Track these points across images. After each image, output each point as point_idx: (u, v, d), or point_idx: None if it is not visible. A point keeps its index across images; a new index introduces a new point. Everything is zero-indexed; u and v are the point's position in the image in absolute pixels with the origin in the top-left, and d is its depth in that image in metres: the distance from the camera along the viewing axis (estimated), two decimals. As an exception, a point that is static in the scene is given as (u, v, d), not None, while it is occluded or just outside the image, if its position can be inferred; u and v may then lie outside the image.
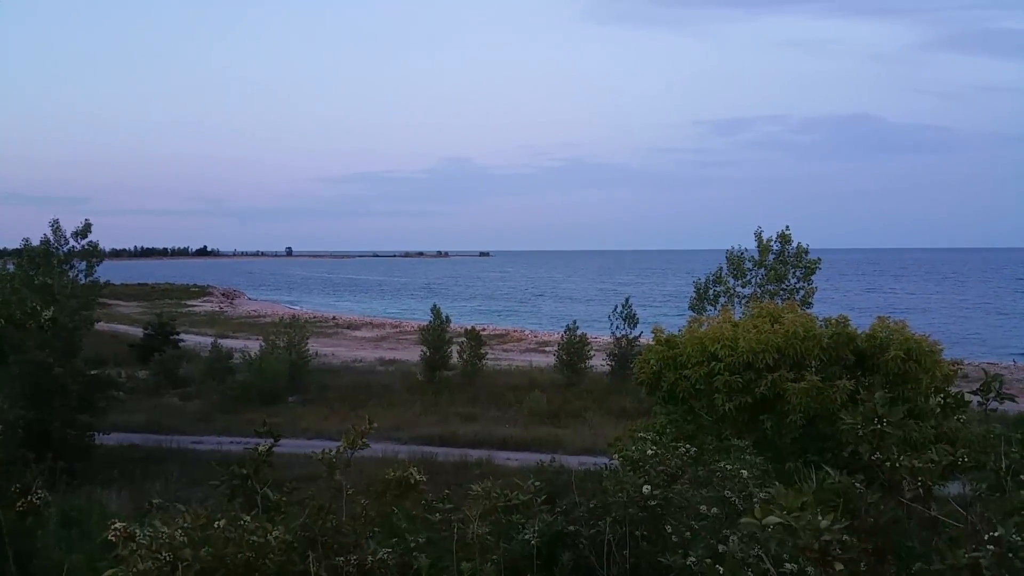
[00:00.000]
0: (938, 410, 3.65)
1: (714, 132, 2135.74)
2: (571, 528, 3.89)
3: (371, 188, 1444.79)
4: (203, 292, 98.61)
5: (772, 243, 21.29)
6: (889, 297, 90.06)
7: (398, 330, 57.01)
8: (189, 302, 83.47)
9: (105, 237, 26.84)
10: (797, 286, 20.96)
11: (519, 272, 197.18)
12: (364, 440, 3.30)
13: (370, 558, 2.91)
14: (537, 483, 4.02)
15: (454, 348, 32.73)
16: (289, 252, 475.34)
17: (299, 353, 31.10)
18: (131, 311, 63.57)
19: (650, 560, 3.53)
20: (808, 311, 13.79)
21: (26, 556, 4.28)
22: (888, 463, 2.76)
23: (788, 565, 2.68)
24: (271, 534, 2.60)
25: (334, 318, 67.24)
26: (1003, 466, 2.96)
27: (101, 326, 31.57)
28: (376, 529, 3.37)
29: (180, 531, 2.51)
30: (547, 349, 41.48)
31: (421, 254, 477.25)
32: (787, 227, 21.24)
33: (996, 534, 2.36)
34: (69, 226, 25.26)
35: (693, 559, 3.04)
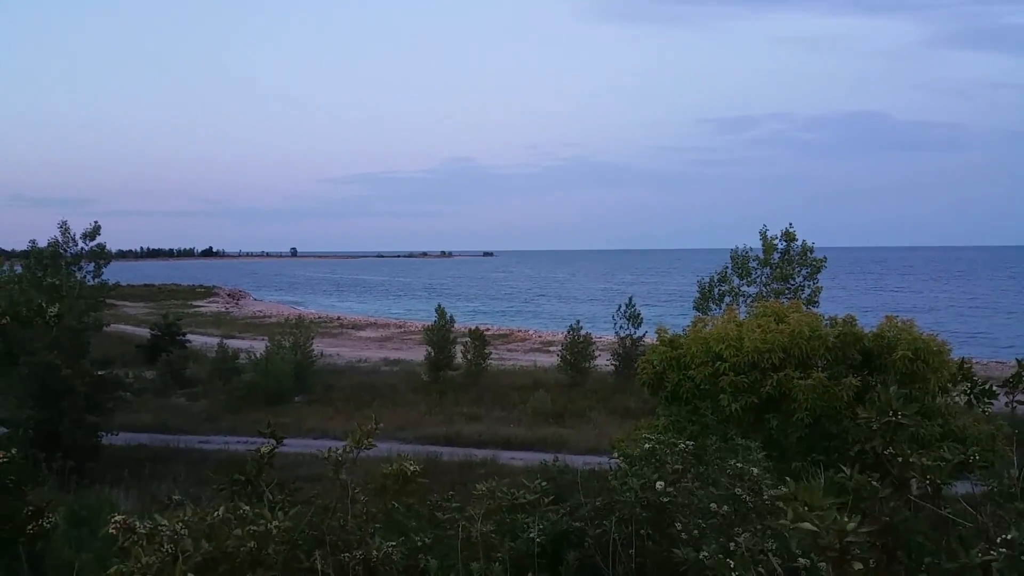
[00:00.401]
0: (963, 401, 3.58)
1: (719, 130, 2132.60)
2: (576, 526, 3.87)
3: (375, 189, 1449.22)
4: (209, 293, 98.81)
5: (777, 242, 21.16)
6: (896, 296, 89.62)
7: (402, 330, 57.03)
8: (195, 303, 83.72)
9: (111, 238, 27.03)
10: (803, 285, 20.85)
11: (523, 272, 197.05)
12: (370, 440, 3.28)
13: (375, 553, 2.90)
14: (544, 483, 4.01)
15: (458, 348, 32.79)
16: (294, 253, 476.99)
17: (304, 353, 31.17)
18: (137, 312, 63.80)
19: (656, 559, 3.52)
20: (814, 310, 13.73)
21: (38, 555, 4.29)
22: (900, 458, 2.74)
23: (802, 560, 2.66)
24: (272, 523, 2.58)
25: (339, 318, 67.31)
26: (1015, 466, 2.93)
27: (108, 327, 31.67)
28: (378, 525, 3.36)
29: (181, 524, 2.51)
30: (551, 349, 41.41)
31: (425, 254, 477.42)
32: (791, 225, 21.11)
33: (1009, 536, 2.32)
34: (76, 228, 25.41)
35: (706, 554, 3.03)
